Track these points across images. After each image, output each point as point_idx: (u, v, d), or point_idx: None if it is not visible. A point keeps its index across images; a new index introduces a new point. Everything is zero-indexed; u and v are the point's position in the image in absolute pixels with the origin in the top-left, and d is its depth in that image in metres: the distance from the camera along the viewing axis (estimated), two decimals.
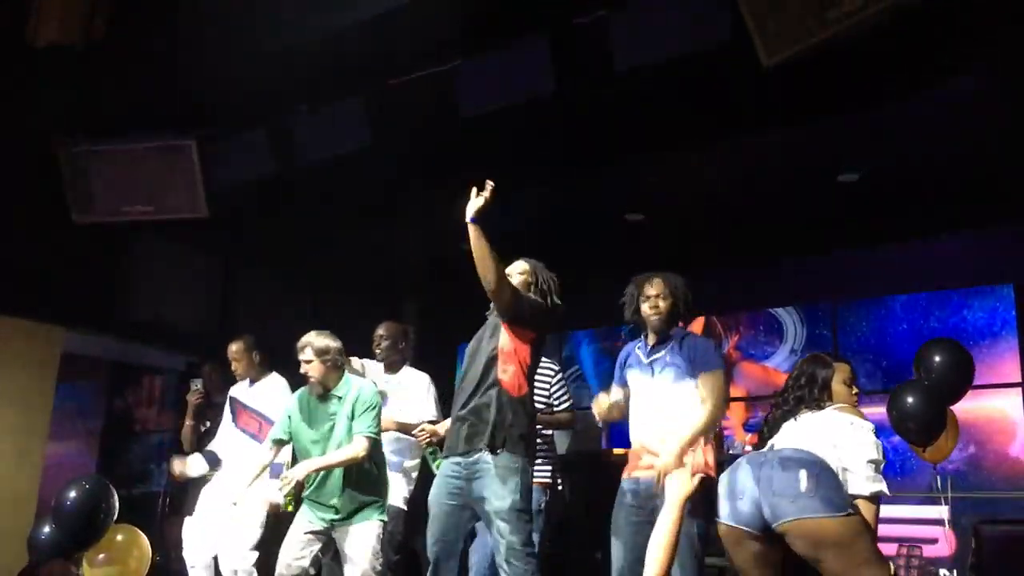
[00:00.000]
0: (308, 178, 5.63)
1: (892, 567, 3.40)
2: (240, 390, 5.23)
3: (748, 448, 6.37)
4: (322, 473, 4.24)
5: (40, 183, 5.90)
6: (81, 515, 4.70)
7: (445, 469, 3.79)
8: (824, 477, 3.25)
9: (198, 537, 4.98)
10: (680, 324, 4.03)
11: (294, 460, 4.45)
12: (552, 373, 5.09)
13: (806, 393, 3.63)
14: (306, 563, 4.21)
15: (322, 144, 5.34)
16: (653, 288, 3.99)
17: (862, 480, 3.35)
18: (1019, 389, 6.42)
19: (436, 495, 3.76)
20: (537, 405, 4.50)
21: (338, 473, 4.23)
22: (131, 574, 4.92)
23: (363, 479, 4.27)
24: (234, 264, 7.48)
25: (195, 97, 5.49)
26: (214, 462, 5.08)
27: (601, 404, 4.13)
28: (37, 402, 6.19)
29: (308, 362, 4.33)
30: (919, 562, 5.71)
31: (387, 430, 4.74)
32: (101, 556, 4.73)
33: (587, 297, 5.27)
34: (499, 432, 3.67)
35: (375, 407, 4.30)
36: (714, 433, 3.90)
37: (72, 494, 4.72)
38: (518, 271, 4.11)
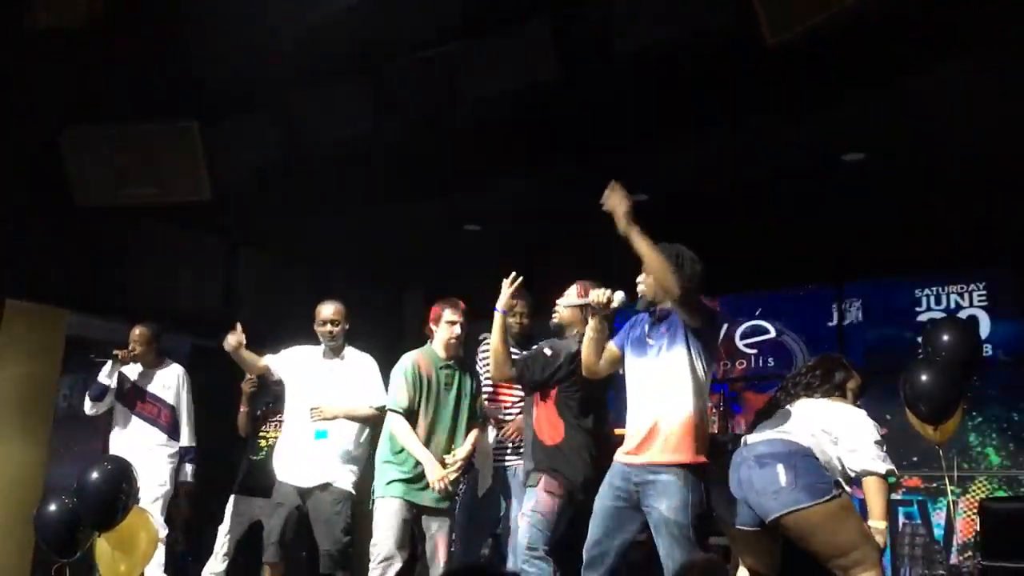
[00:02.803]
0: (311, 161, 5.62)
1: (887, 542, 3.44)
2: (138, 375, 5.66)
3: None
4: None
5: (43, 166, 5.89)
6: (104, 496, 4.71)
7: None
8: (802, 466, 3.29)
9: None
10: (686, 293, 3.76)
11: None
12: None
13: (816, 383, 3.65)
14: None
15: (325, 127, 5.33)
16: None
17: (872, 458, 3.38)
18: None
19: None
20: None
21: None
22: (141, 556, 4.94)
23: None
24: (238, 247, 7.48)
25: (198, 80, 5.47)
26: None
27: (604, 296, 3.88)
28: (42, 384, 6.21)
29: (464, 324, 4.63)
30: (923, 540, 5.74)
31: (334, 418, 4.86)
32: (111, 538, 4.75)
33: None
34: None
35: None
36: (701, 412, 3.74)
37: (95, 475, 4.74)
38: (565, 305, 4.34)
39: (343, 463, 4.86)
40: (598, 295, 3.86)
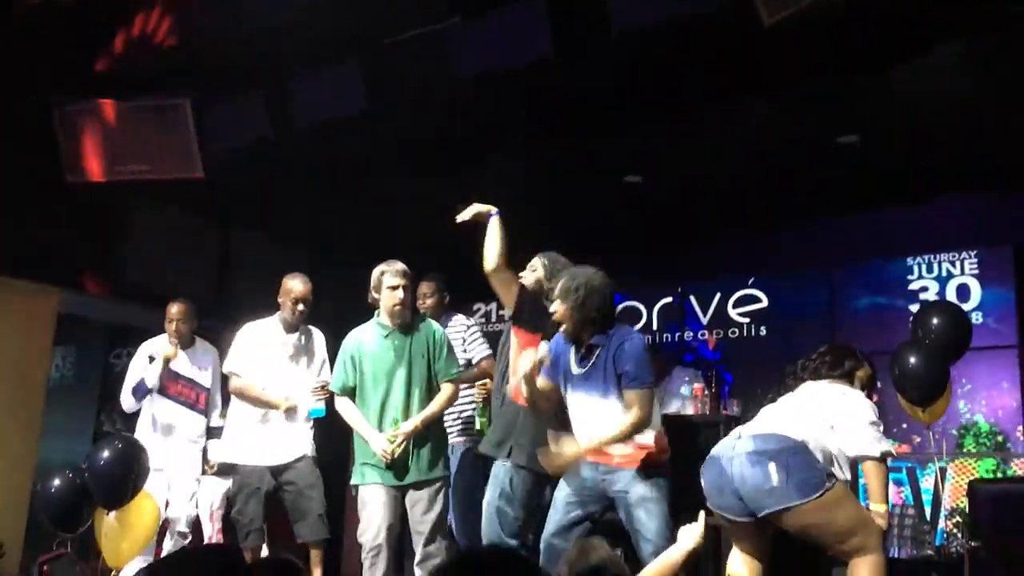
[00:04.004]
0: (305, 141, 5.59)
1: (887, 525, 3.46)
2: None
3: None
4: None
5: (35, 143, 5.85)
6: (116, 474, 4.73)
7: None
8: (794, 462, 3.30)
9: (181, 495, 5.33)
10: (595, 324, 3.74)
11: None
12: (464, 327, 5.19)
13: (824, 369, 3.66)
14: None
15: (318, 107, 5.30)
16: (552, 289, 3.88)
17: (869, 441, 3.39)
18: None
19: None
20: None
21: None
22: (143, 536, 4.95)
23: None
24: (231, 227, 7.46)
25: (190, 59, 5.43)
26: None
27: (527, 364, 3.77)
28: (34, 363, 6.20)
29: (406, 288, 4.47)
30: (912, 521, 5.77)
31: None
32: (114, 515, 4.76)
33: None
34: None
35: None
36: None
37: (107, 453, 4.74)
38: (531, 268, 4.26)
39: (307, 432, 4.99)
40: (529, 365, 3.76)
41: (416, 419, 4.35)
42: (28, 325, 6.15)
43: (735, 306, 7.57)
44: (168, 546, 5.29)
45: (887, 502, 3.47)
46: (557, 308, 3.76)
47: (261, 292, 5.31)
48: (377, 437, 4.32)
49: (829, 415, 3.45)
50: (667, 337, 7.85)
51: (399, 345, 4.43)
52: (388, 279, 4.45)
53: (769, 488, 3.27)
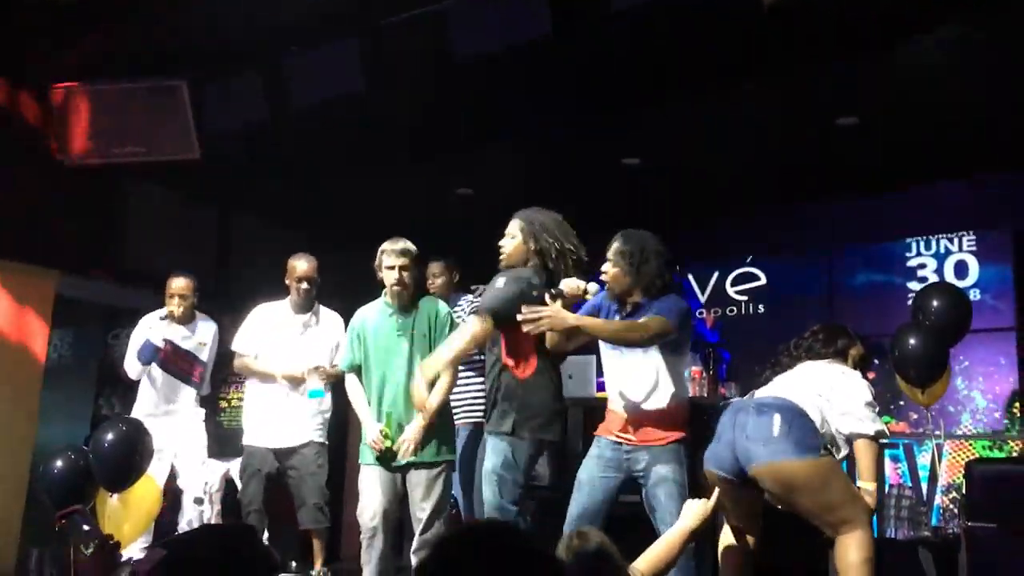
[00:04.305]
0: (302, 123, 5.56)
1: (875, 504, 3.47)
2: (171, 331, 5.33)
3: None
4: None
5: (31, 126, 5.82)
6: (121, 456, 4.73)
7: None
8: (798, 422, 3.31)
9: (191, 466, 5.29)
10: (651, 289, 3.74)
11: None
12: (468, 303, 5.28)
13: (819, 347, 3.67)
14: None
15: (316, 87, 5.27)
16: (608, 249, 3.83)
17: (863, 420, 3.41)
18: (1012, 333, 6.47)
19: None
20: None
21: None
22: (145, 518, 4.97)
23: None
24: (229, 209, 7.44)
25: (186, 40, 5.40)
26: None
27: (571, 285, 3.81)
28: (32, 346, 6.18)
29: (405, 268, 4.33)
30: (909, 502, 5.80)
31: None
32: (116, 497, 4.78)
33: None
34: None
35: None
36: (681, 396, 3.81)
37: (111, 435, 4.75)
38: (510, 234, 4.04)
39: (317, 418, 4.94)
40: (572, 287, 3.80)
41: (416, 425, 4.21)
42: (26, 307, 6.14)
43: (733, 284, 7.59)
44: (186, 517, 5.29)
45: (876, 481, 3.48)
46: (609, 270, 3.75)
47: (259, 274, 5.31)
48: (372, 426, 4.27)
49: (826, 393, 3.46)
50: None
51: (402, 324, 4.35)
52: (386, 259, 4.36)
53: (768, 437, 3.27)
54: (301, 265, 4.97)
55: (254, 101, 5.49)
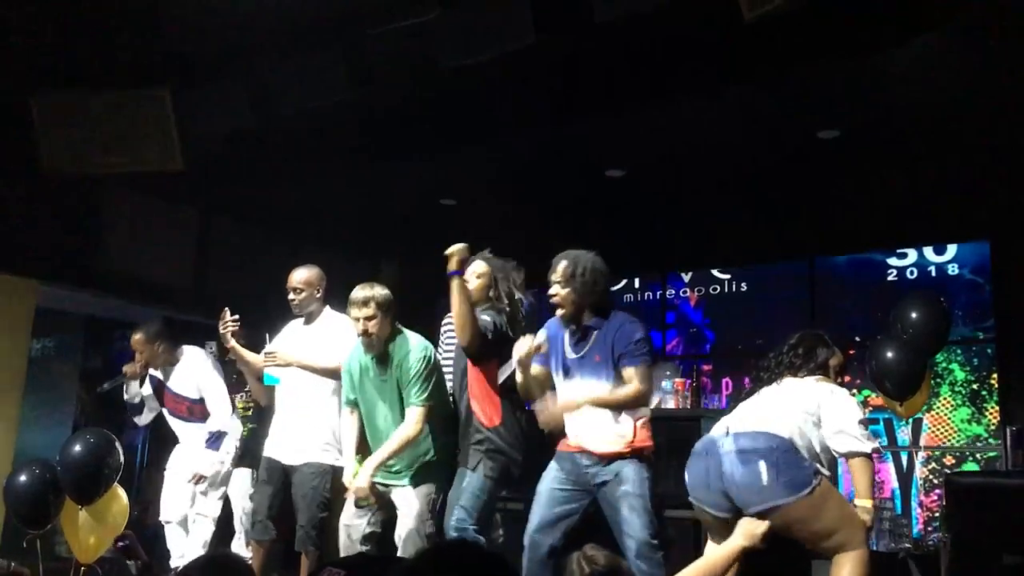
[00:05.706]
0: (286, 130, 5.56)
1: (872, 521, 3.47)
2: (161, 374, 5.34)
3: None
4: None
5: (13, 136, 5.79)
6: (89, 469, 4.72)
7: None
8: (783, 461, 3.31)
9: (173, 494, 5.16)
10: (601, 312, 3.77)
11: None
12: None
13: (799, 362, 3.66)
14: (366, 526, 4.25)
15: (299, 96, 5.26)
16: (554, 272, 3.81)
17: (860, 439, 3.40)
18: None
19: None
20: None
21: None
22: (109, 528, 4.92)
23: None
24: (211, 217, 7.41)
25: (169, 48, 5.39)
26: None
27: (522, 350, 3.76)
28: (12, 356, 6.15)
29: (370, 318, 4.13)
30: (890, 514, 5.81)
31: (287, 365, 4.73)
32: (84, 510, 4.74)
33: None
34: None
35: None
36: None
37: (79, 448, 4.72)
38: (475, 274, 4.12)
39: (324, 439, 4.73)
40: (523, 351, 3.75)
41: (371, 465, 4.13)
42: (7, 317, 6.10)
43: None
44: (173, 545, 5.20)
45: (872, 498, 3.48)
46: (558, 292, 3.76)
47: (242, 281, 5.27)
48: (347, 466, 4.28)
49: (814, 411, 3.46)
50: (648, 296, 7.96)
51: (379, 371, 4.28)
52: (351, 309, 4.21)
53: (759, 487, 3.28)
54: (290, 277, 4.96)
55: (238, 109, 5.48)
